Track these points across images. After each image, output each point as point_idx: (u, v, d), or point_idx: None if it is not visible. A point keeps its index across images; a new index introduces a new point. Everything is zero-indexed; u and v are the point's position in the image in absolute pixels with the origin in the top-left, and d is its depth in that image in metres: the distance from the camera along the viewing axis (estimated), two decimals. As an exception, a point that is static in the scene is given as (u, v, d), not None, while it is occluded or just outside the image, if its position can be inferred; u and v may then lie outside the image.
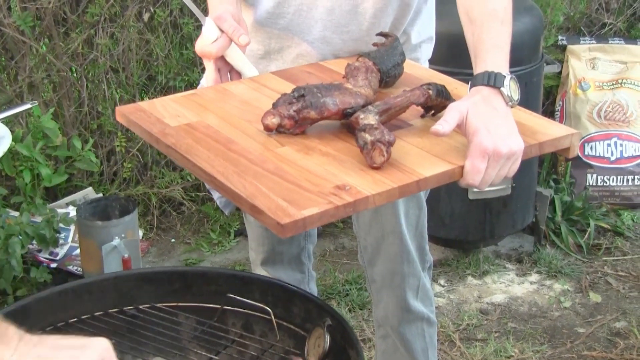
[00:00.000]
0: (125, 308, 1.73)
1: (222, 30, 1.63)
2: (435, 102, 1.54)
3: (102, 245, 2.91)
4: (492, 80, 1.45)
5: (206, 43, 1.64)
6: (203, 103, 1.62)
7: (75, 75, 3.34)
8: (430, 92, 1.53)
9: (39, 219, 3.13)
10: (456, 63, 2.96)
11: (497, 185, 3.06)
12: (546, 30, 3.57)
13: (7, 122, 3.22)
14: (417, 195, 1.98)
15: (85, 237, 2.97)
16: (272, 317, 1.63)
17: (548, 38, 3.62)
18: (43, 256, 3.17)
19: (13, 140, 3.21)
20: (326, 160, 1.40)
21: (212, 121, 1.53)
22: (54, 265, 3.16)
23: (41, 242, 3.02)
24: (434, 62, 3.13)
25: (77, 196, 3.36)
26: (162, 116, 1.56)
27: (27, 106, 2.51)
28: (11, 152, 3.19)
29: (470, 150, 1.38)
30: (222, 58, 1.68)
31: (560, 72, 3.70)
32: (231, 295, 1.67)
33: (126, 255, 2.92)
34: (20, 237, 2.93)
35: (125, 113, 1.59)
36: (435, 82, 1.57)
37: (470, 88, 1.48)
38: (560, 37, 3.72)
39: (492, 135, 1.37)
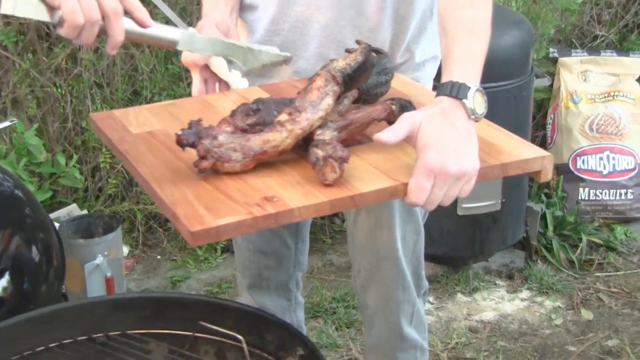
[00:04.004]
0: (94, 336, 1.69)
1: None
2: None
3: (85, 263, 2.87)
4: (455, 91, 1.38)
5: (189, 52, 1.62)
6: (177, 113, 1.63)
7: (59, 90, 3.30)
8: (394, 107, 1.49)
9: (23, 236, 3.09)
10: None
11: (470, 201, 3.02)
12: (537, 42, 3.53)
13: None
14: (414, 219, 1.93)
15: (68, 256, 2.91)
16: (244, 345, 1.58)
17: (539, 51, 3.58)
18: (27, 274, 3.12)
19: (-4, 156, 3.17)
20: (268, 172, 1.38)
21: (176, 130, 1.50)
22: (37, 283, 3.12)
23: (23, 260, 2.97)
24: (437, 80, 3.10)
25: (61, 213, 3.31)
26: (129, 124, 1.58)
27: (6, 124, 2.46)
28: (-6, 169, 3.15)
29: (416, 167, 1.32)
30: (208, 68, 1.67)
31: (551, 85, 3.66)
32: (202, 323, 1.62)
33: (109, 274, 2.87)
34: None
35: (95, 120, 1.62)
36: (400, 97, 1.54)
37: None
38: (551, 50, 3.68)
39: (441, 152, 1.31)
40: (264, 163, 1.41)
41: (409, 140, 1.37)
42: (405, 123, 1.36)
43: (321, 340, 2.90)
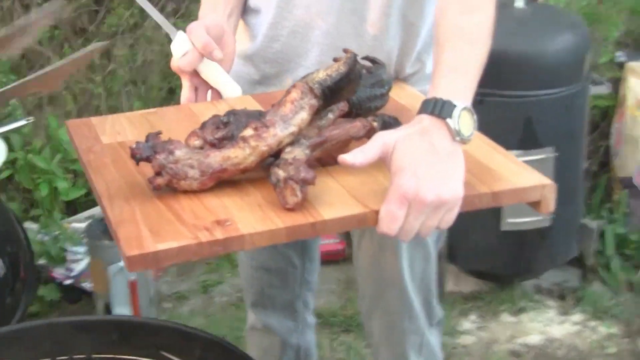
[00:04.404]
0: (58, 358, 1.59)
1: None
2: None
3: (109, 265, 2.78)
4: (438, 109, 1.21)
5: (176, 58, 1.51)
6: (157, 123, 1.52)
7: (94, 86, 3.24)
8: (375, 124, 1.34)
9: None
10: (489, 83, 2.74)
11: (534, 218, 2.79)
12: (600, 46, 3.28)
13: (26, 133, 3.15)
14: (423, 244, 1.76)
15: (94, 257, 2.85)
16: (204, 380, 1.46)
17: (603, 55, 3.32)
18: (59, 271, 3.06)
19: (31, 152, 3.14)
20: (229, 191, 1.26)
21: None
22: (69, 281, 3.05)
23: (49, 259, 2.92)
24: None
25: (96, 211, 3.25)
26: (103, 132, 1.49)
27: (22, 123, 2.38)
28: (29, 164, 3.11)
29: (389, 193, 1.16)
30: (199, 75, 1.55)
31: (617, 92, 3.39)
32: (164, 354, 1.51)
33: (133, 278, 2.78)
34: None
35: (69, 127, 1.53)
36: (385, 114, 1.38)
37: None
38: (617, 54, 3.42)
39: (417, 177, 1.15)
40: (227, 181, 1.28)
41: (384, 164, 1.21)
42: (377, 143, 1.21)
43: (349, 358, 2.75)
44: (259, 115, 1.35)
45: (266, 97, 1.61)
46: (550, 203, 1.29)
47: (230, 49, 1.57)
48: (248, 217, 1.19)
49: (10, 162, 3.06)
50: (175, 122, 1.52)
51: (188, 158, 1.26)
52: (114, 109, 3.25)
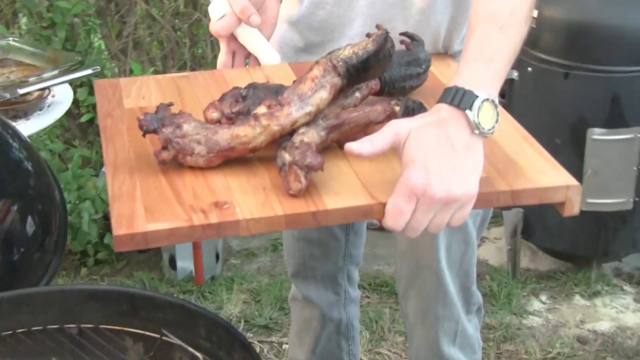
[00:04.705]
0: (66, 326, 1.58)
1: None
2: None
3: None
4: (458, 100, 1.13)
5: (213, 20, 1.47)
6: (184, 88, 1.49)
7: (180, 34, 3.23)
8: (397, 108, 1.25)
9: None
10: (576, 56, 2.59)
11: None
12: None
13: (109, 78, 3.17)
14: (464, 228, 1.67)
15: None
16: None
17: None
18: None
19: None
20: (237, 170, 1.21)
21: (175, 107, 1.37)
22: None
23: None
24: (551, 52, 2.71)
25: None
26: (128, 95, 1.46)
27: (88, 71, 2.37)
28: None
29: (397, 186, 1.10)
30: (237, 39, 1.50)
31: None
32: (164, 331, 1.48)
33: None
34: (94, 202, 2.87)
35: (96, 87, 1.51)
36: (409, 97, 1.29)
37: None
38: None
39: (428, 171, 1.08)
40: (238, 158, 1.23)
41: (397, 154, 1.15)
42: (388, 133, 1.14)
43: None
44: (277, 92, 1.29)
45: (304, 67, 1.54)
46: (575, 206, 1.19)
47: (271, 14, 1.51)
48: (249, 200, 1.15)
49: (91, 106, 3.09)
50: (204, 88, 1.48)
51: (196, 133, 1.22)
52: (198, 58, 3.24)
